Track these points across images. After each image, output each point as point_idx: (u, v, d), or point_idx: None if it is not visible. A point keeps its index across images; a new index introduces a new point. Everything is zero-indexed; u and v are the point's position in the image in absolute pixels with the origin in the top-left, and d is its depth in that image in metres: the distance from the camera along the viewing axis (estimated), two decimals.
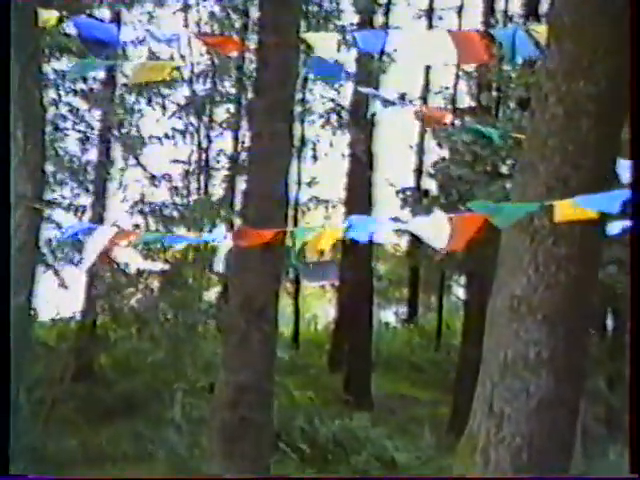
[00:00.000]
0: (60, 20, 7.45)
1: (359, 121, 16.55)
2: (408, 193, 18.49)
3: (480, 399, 4.31)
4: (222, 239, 6.00)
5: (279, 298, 8.55)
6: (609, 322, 13.79)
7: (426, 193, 18.28)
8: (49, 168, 13.77)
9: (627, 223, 4.29)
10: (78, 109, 15.04)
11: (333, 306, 21.40)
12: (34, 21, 6.95)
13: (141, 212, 14.95)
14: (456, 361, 15.71)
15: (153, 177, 15.86)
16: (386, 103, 8.19)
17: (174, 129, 16.68)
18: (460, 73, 19.01)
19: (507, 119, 13.12)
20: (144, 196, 15.30)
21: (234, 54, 14.33)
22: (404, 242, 23.83)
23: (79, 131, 15.16)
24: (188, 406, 12.33)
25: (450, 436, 12.06)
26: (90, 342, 14.15)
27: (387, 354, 19.61)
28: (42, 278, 13.19)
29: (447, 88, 20.57)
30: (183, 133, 16.90)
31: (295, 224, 18.97)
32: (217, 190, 18.41)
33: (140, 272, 13.98)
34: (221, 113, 17.95)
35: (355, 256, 16.90)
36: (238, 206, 16.75)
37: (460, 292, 22.76)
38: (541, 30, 5.91)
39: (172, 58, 14.62)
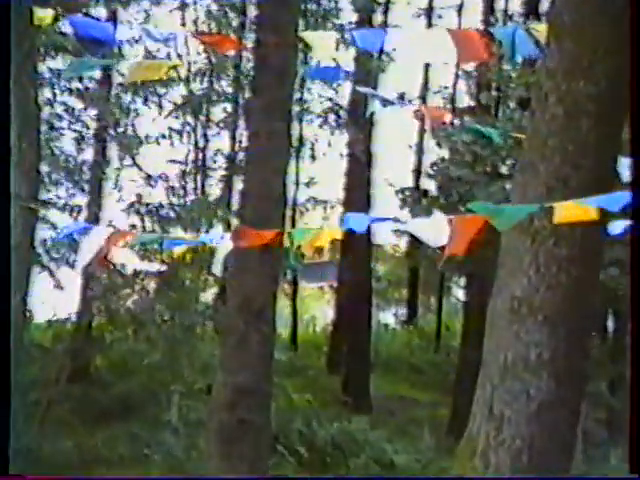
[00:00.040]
0: (56, 18, 7.45)
1: (358, 121, 16.55)
2: (407, 193, 18.49)
3: (480, 401, 4.31)
4: (219, 240, 6.00)
5: (277, 299, 8.56)
6: (610, 324, 13.79)
7: (425, 193, 18.28)
8: (44, 168, 13.77)
9: (628, 223, 4.29)
10: (74, 108, 15.04)
11: (331, 307, 21.39)
12: (29, 19, 6.95)
13: (137, 212, 14.94)
14: (456, 363, 15.71)
15: (149, 177, 15.86)
16: (385, 103, 8.19)
17: (171, 128, 16.68)
18: (460, 72, 19.03)
19: (507, 119, 13.13)
20: (140, 196, 15.30)
21: (231, 53, 14.34)
22: (403, 243, 23.85)
23: (75, 130, 15.16)
24: (185, 408, 12.33)
25: (450, 438, 12.05)
26: (86, 343, 14.14)
27: (386, 356, 19.61)
28: (37, 279, 13.20)
29: (446, 87, 20.58)
30: (180, 133, 16.90)
31: (293, 225, 18.97)
32: (214, 190, 18.42)
33: (136, 273, 13.97)
34: (218, 112, 17.96)
35: (354, 257, 16.91)
36: (235, 206, 16.76)
37: (460, 293, 22.75)
38: (541, 29, 5.93)
39: (169, 57, 14.62)
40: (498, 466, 4.16)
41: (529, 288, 4.23)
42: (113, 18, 14.83)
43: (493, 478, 4.17)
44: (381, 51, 16.89)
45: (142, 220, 14.69)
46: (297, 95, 16.32)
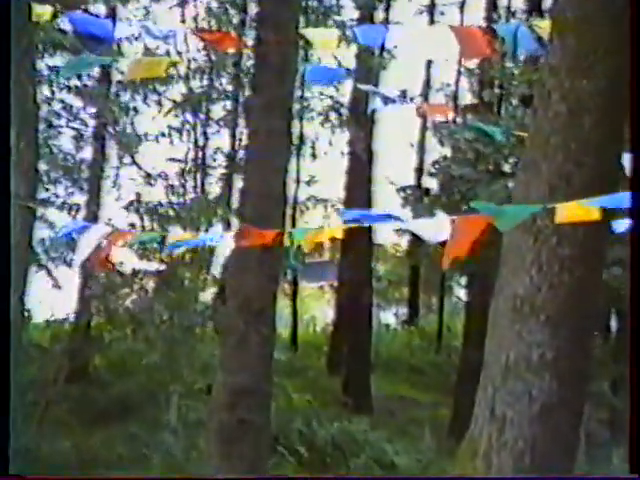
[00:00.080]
0: (54, 15, 7.44)
1: (359, 119, 16.55)
2: (409, 192, 18.49)
3: (482, 402, 4.30)
4: (219, 239, 5.98)
5: (277, 299, 8.56)
6: (613, 323, 13.78)
7: (427, 192, 18.28)
8: (42, 166, 13.77)
9: (628, 222, 4.29)
10: (72, 106, 15.03)
11: (332, 307, 21.38)
12: (28, 16, 6.94)
13: (137, 211, 14.94)
14: (457, 363, 15.70)
15: (149, 175, 15.86)
16: (386, 100, 8.18)
17: (170, 127, 16.69)
18: (462, 70, 19.02)
19: (510, 116, 13.12)
20: (140, 195, 15.30)
21: (231, 50, 14.33)
22: (404, 242, 23.85)
23: (73, 129, 15.16)
24: (184, 408, 12.33)
25: (451, 439, 12.05)
26: (84, 343, 14.14)
27: (387, 356, 19.60)
28: (35, 278, 13.21)
29: (448, 85, 20.57)
30: (179, 131, 16.91)
31: (293, 223, 18.98)
32: (214, 189, 18.43)
33: (135, 272, 13.97)
34: (218, 110, 17.96)
35: (354, 256, 16.90)
36: (235, 205, 16.75)
37: (461, 293, 22.74)
38: (544, 26, 5.91)
39: (168, 54, 14.63)
40: (500, 468, 4.16)
41: (531, 287, 4.23)
42: (112, 15, 14.82)
43: (493, 478, 4.17)
44: (382, 48, 16.92)
45: (141, 219, 14.69)
46: (298, 93, 16.31)
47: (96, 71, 15.07)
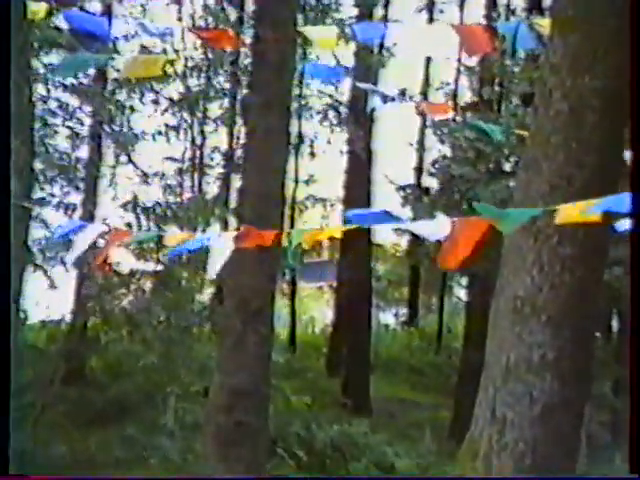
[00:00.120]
0: (50, 13, 7.44)
1: (358, 117, 16.55)
2: (408, 191, 18.49)
3: (482, 404, 4.30)
4: (217, 239, 5.98)
5: (275, 299, 8.56)
6: (615, 324, 13.79)
7: (427, 191, 18.28)
8: (38, 165, 13.75)
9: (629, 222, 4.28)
10: (68, 105, 15.02)
11: (331, 308, 21.39)
12: (23, 14, 6.94)
13: (134, 210, 14.94)
14: (457, 364, 15.70)
15: (145, 175, 15.86)
16: (385, 99, 8.18)
17: (167, 125, 16.68)
18: (461, 68, 19.01)
19: (510, 115, 13.11)
20: (136, 195, 15.30)
21: (229, 48, 14.33)
22: (404, 241, 23.85)
23: (69, 127, 15.14)
24: (181, 410, 12.32)
25: (451, 441, 12.05)
26: (80, 344, 14.13)
27: (386, 357, 19.60)
28: (31, 279, 13.19)
29: (448, 84, 20.57)
30: (176, 129, 16.90)
31: (292, 223, 18.98)
32: (211, 188, 18.43)
33: (132, 272, 13.97)
34: (215, 109, 17.95)
35: (353, 256, 16.90)
36: (233, 205, 16.75)
37: (462, 293, 22.75)
38: (545, 24, 5.91)
39: (165, 52, 14.62)
40: (501, 470, 4.16)
41: (532, 288, 4.23)
42: (108, 13, 14.82)
43: (493, 478, 4.17)
44: (381, 46, 16.93)
45: (138, 219, 14.68)
46: (296, 91, 16.30)
47: (92, 69, 15.05)
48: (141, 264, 13.72)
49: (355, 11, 17.16)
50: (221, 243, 5.48)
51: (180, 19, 17.03)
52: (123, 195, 15.43)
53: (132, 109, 15.72)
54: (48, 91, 14.57)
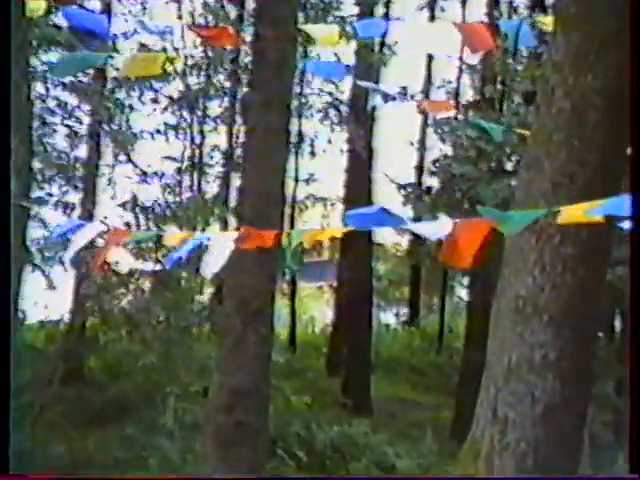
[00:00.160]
0: (48, 10, 7.43)
1: (358, 116, 16.55)
2: (409, 190, 18.49)
3: (484, 404, 4.30)
4: (216, 239, 5.97)
5: (275, 299, 8.56)
6: (617, 324, 13.79)
7: (429, 190, 18.29)
8: (36, 165, 13.76)
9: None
10: (67, 103, 15.02)
11: (331, 307, 21.39)
12: (22, 11, 6.94)
13: (132, 210, 14.93)
14: (459, 364, 15.71)
15: (144, 174, 15.86)
16: (386, 97, 8.17)
17: (166, 124, 16.69)
18: (463, 67, 19.02)
19: (512, 113, 13.11)
20: (135, 194, 15.30)
21: (229, 47, 14.34)
22: (405, 241, 23.86)
23: (68, 126, 15.15)
24: (181, 411, 12.32)
25: (452, 442, 12.05)
26: (79, 344, 14.13)
27: (387, 357, 19.60)
28: (29, 279, 13.19)
29: (450, 82, 20.58)
30: (176, 128, 16.91)
31: (292, 222, 18.99)
32: (211, 187, 18.45)
33: (131, 272, 13.96)
34: (215, 107, 17.96)
35: (354, 255, 16.90)
36: (233, 204, 16.76)
37: (463, 293, 22.77)
38: (547, 21, 5.91)
39: (165, 51, 14.62)
40: (502, 470, 4.15)
41: (534, 288, 4.22)
42: (107, 11, 14.83)
43: (494, 478, 4.17)
44: (382, 44, 16.93)
45: (137, 218, 14.69)
46: (296, 89, 16.31)
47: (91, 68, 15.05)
48: (140, 264, 13.72)
49: (356, 9, 17.16)
50: (221, 243, 5.48)
51: (180, 17, 17.05)
52: (122, 194, 15.45)
53: (131, 108, 15.73)
54: (47, 89, 14.58)
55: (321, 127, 18.55)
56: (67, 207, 14.81)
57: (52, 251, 14.17)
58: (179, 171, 17.19)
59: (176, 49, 15.78)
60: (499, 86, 14.88)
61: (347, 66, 15.34)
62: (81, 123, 15.34)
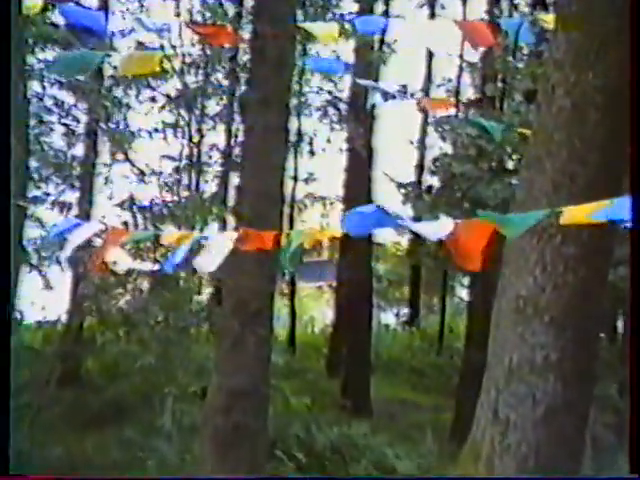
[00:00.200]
0: (45, 8, 7.43)
1: (358, 114, 16.54)
2: (409, 188, 18.49)
3: (484, 405, 4.30)
4: (214, 239, 5.97)
5: (274, 300, 8.55)
6: (620, 325, 13.79)
7: (429, 189, 18.28)
8: (33, 163, 13.76)
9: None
10: (63, 102, 15.02)
11: (331, 308, 21.40)
12: (18, 9, 6.93)
13: (130, 209, 14.94)
14: (459, 365, 15.71)
15: (142, 173, 15.85)
16: (386, 95, 8.17)
17: (164, 123, 16.68)
18: (464, 65, 19.03)
19: (513, 112, 13.11)
20: (133, 193, 15.31)
21: (227, 45, 14.34)
22: (405, 240, 23.86)
23: (64, 125, 15.15)
24: (179, 412, 12.31)
25: (453, 443, 12.05)
26: (76, 345, 14.13)
27: (387, 357, 19.60)
28: (26, 279, 13.20)
29: (450, 80, 20.57)
30: (174, 127, 16.90)
31: (291, 222, 18.99)
32: (209, 186, 18.44)
33: (129, 272, 13.97)
34: (213, 106, 17.95)
35: (353, 255, 16.89)
36: (231, 203, 16.76)
37: (464, 293, 22.77)
38: (549, 19, 5.91)
39: (162, 49, 14.62)
40: (503, 472, 4.15)
41: (535, 288, 4.22)
42: (105, 8, 14.83)
43: (491, 478, 4.17)
44: (382, 42, 16.93)
45: (134, 218, 14.69)
46: (295, 88, 16.30)
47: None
48: (138, 264, 13.73)
49: (355, 7, 17.15)
50: (219, 242, 5.48)
51: (178, 14, 17.04)
52: (119, 194, 15.45)
53: (128, 106, 15.73)
54: (44, 88, 14.58)
55: (320, 126, 18.57)
56: (64, 206, 14.80)
57: (49, 251, 14.17)
58: (177, 170, 17.18)
59: (174, 47, 15.78)
60: (500, 84, 14.88)
61: (346, 64, 15.36)
62: (78, 122, 15.34)
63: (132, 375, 13.99)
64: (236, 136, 17.34)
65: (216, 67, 17.10)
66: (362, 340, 16.71)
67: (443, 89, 20.71)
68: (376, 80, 14.75)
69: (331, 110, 18.24)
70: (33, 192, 14.00)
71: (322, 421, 12.51)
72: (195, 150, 18.00)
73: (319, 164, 19.61)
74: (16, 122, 6.91)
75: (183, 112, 17.03)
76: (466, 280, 20.16)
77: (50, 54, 13.62)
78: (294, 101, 15.73)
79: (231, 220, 15.37)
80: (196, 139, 17.87)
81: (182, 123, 17.24)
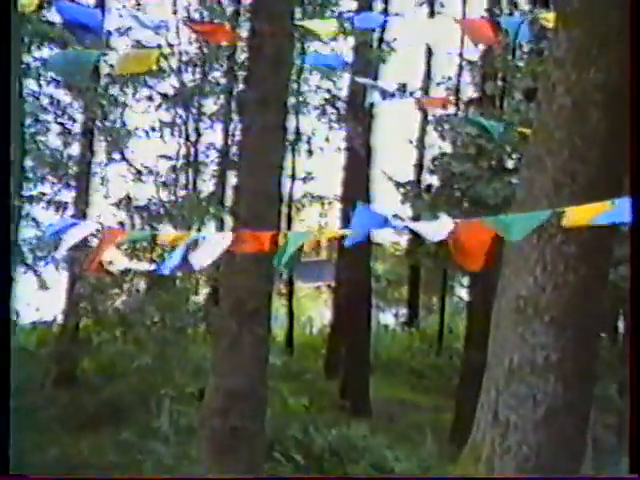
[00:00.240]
0: (40, 6, 7.42)
1: (357, 113, 16.54)
2: (408, 188, 18.49)
3: (484, 406, 4.30)
4: (210, 239, 5.96)
5: (272, 300, 8.55)
6: (621, 325, 13.79)
7: (429, 188, 18.27)
8: (29, 163, 13.76)
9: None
10: (59, 100, 15.01)
11: (329, 308, 21.38)
12: (13, 7, 6.92)
13: (127, 209, 14.93)
14: (459, 366, 15.71)
15: (139, 172, 15.85)
16: (385, 94, 8.17)
17: (161, 121, 16.67)
18: (463, 63, 19.01)
19: (513, 110, 13.11)
20: (129, 193, 15.30)
21: (225, 43, 14.33)
22: (404, 240, 23.84)
23: (60, 124, 15.13)
24: (176, 413, 12.31)
25: (453, 445, 12.05)
26: (72, 346, 14.12)
27: (386, 358, 19.59)
28: (21, 279, 13.19)
29: (450, 78, 20.55)
30: (171, 126, 16.89)
31: (289, 221, 18.98)
32: (206, 186, 18.42)
33: (125, 272, 13.96)
34: (211, 105, 17.94)
35: (352, 255, 16.87)
36: (229, 203, 16.75)
37: (463, 293, 22.75)
38: (549, 17, 5.91)
39: (160, 47, 14.60)
40: (503, 474, 4.15)
41: (535, 287, 4.22)
42: (101, 6, 14.81)
43: (491, 477, 4.16)
44: (381, 40, 16.92)
45: (131, 217, 14.68)
46: (293, 86, 16.29)
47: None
48: (134, 264, 13.72)
49: (354, 5, 17.14)
50: (216, 241, 5.47)
51: (175, 12, 17.03)
52: (116, 193, 15.45)
53: (125, 105, 15.71)
54: (40, 86, 14.56)
55: (319, 124, 18.55)
56: (60, 206, 14.79)
57: (45, 251, 14.16)
58: (174, 169, 17.16)
59: (171, 45, 15.77)
60: (500, 82, 14.87)
61: (345, 63, 15.36)
62: (74, 121, 15.32)
63: (128, 376, 13.98)
64: (234, 135, 17.33)
65: (213, 65, 17.08)
66: (361, 341, 16.71)
67: (443, 87, 20.68)
68: (375, 79, 14.76)
69: (330, 109, 18.23)
70: (29, 191, 13.99)
71: (320, 422, 12.51)
72: (192, 149, 17.98)
73: (317, 163, 19.61)
74: (11, 121, 6.90)
75: (180, 111, 17.03)
76: (466, 280, 20.16)
77: (46, 52, 13.61)
78: (292, 100, 15.71)
79: (229, 220, 15.37)
80: (193, 138, 17.86)
81: (179, 122, 17.23)
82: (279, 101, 8.34)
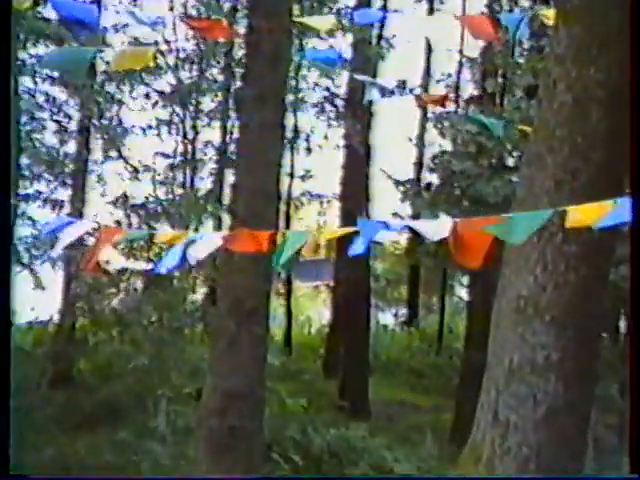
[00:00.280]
0: (36, 3, 7.41)
1: (355, 110, 16.53)
2: (408, 186, 18.49)
3: (484, 407, 4.30)
4: (208, 238, 5.96)
5: (270, 299, 8.55)
6: (622, 324, 13.80)
7: (428, 186, 18.28)
8: (24, 161, 13.75)
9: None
10: (55, 98, 15.00)
11: (328, 307, 21.39)
12: (9, 3, 6.91)
13: (123, 207, 14.93)
14: (459, 366, 15.71)
15: (135, 170, 15.85)
16: (384, 91, 8.18)
17: (158, 119, 16.67)
18: (463, 60, 19.00)
19: (514, 108, 13.12)
20: (126, 191, 15.30)
21: (222, 39, 14.33)
22: (403, 239, 23.84)
23: (57, 121, 15.13)
24: (173, 414, 12.31)
25: (452, 445, 12.05)
26: (69, 346, 14.12)
27: (385, 358, 19.60)
28: (17, 278, 13.18)
29: (449, 75, 20.54)
30: (168, 123, 16.88)
31: (287, 220, 18.98)
32: (204, 184, 18.41)
33: (122, 271, 13.95)
34: (208, 102, 17.93)
35: None
36: (226, 201, 16.75)
37: (463, 292, 22.76)
38: (549, 14, 5.92)
39: (156, 44, 14.61)
40: (504, 474, 4.16)
41: (535, 287, 4.22)
42: (97, 1, 14.80)
43: (490, 478, 4.17)
44: (380, 37, 16.92)
45: (128, 216, 14.68)
46: (292, 83, 16.29)
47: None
48: (131, 263, 13.72)
49: (352, 1, 17.13)
50: (213, 240, 5.47)
51: (172, 9, 17.02)
52: (112, 191, 15.44)
53: (121, 102, 15.71)
54: (35, 84, 14.56)
55: (317, 122, 18.55)
56: (56, 204, 14.80)
57: (41, 249, 14.16)
58: (171, 167, 17.17)
59: (168, 42, 15.78)
60: (500, 80, 14.87)
61: (344, 60, 15.34)
62: (70, 118, 15.32)
63: (125, 376, 13.98)
64: (231, 133, 17.32)
65: (211, 62, 17.08)
66: (360, 340, 16.71)
67: (442, 85, 20.65)
68: (374, 76, 14.75)
69: (328, 106, 18.23)
70: (24, 190, 13.99)
71: (319, 423, 12.51)
72: (189, 147, 17.98)
73: (316, 161, 19.60)
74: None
75: (177, 108, 17.03)
76: (465, 279, 20.17)
77: (42, 49, 13.60)
78: (290, 97, 15.72)
79: (226, 218, 15.37)
80: (190, 136, 17.86)
81: (176, 119, 17.24)
82: (277, 98, 8.34)
